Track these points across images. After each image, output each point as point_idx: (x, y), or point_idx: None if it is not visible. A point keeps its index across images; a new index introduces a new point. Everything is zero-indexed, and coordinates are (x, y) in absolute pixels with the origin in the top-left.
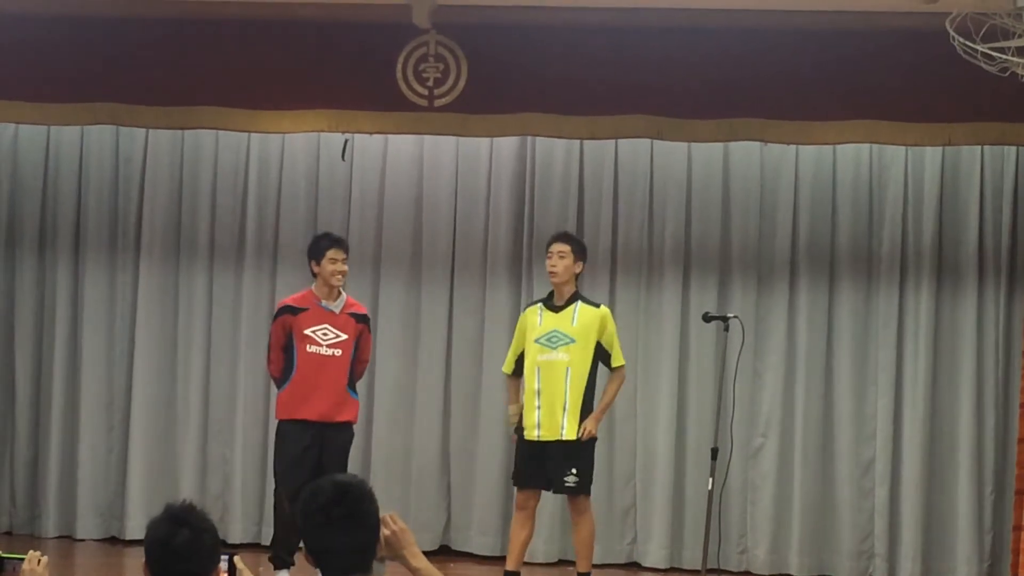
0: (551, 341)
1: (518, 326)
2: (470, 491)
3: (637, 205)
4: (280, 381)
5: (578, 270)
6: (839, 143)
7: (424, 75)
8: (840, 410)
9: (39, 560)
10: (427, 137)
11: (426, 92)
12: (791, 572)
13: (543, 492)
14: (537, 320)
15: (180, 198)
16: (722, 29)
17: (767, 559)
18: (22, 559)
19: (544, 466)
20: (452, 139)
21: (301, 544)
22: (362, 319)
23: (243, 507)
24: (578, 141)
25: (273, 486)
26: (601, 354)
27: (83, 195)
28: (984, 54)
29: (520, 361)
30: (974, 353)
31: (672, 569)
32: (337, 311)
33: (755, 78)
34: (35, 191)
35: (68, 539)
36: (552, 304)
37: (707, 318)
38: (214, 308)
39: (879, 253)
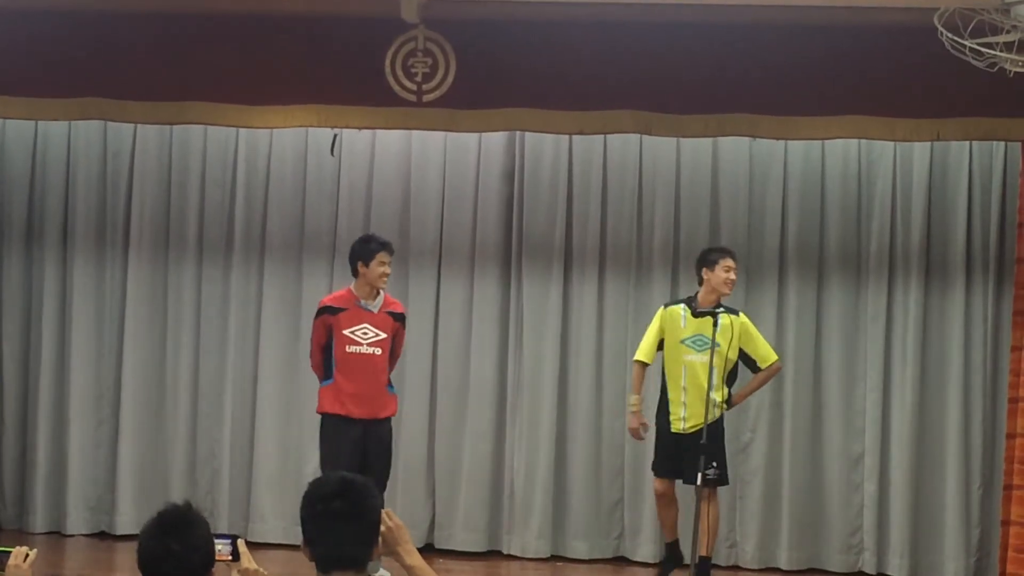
0: (695, 344)
1: (657, 321)
2: (456, 488)
3: (626, 200)
4: (321, 377)
5: None
6: (827, 138)
7: (412, 70)
8: (829, 405)
9: (25, 556)
10: (415, 132)
11: (414, 87)
12: (780, 566)
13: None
14: (681, 322)
15: (168, 193)
16: (710, 25)
17: (756, 554)
18: (10, 552)
19: (683, 457)
20: (440, 134)
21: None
22: (399, 318)
23: (230, 502)
24: (567, 136)
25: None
26: (746, 360)
27: (71, 190)
28: (972, 49)
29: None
30: (962, 348)
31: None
32: (376, 310)
33: (743, 74)
34: (23, 186)
35: (57, 535)
36: (694, 308)
37: (696, 313)
38: (203, 302)
39: (868, 248)
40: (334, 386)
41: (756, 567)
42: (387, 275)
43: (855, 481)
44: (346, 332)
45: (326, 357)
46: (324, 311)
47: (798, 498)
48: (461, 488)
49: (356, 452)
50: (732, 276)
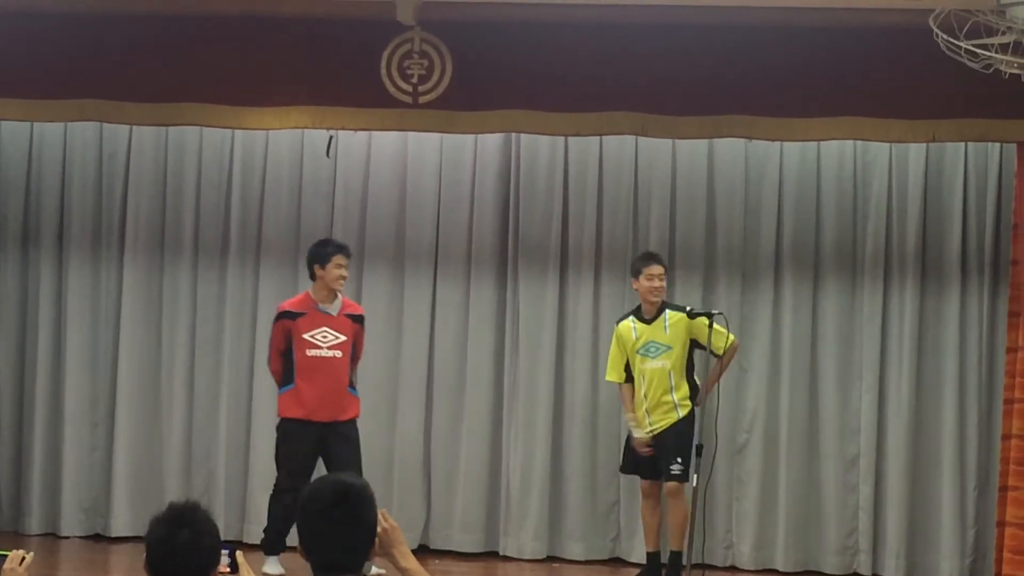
0: (649, 351)
1: (615, 338)
2: (452, 489)
3: (622, 202)
4: (280, 382)
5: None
6: (823, 140)
7: (408, 72)
8: (825, 406)
9: (22, 559)
10: (411, 134)
11: (410, 89)
12: (776, 567)
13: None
14: (632, 333)
15: (164, 195)
16: (706, 26)
17: (752, 555)
18: (7, 555)
19: (655, 458)
20: (436, 136)
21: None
22: (358, 319)
23: (226, 504)
24: (563, 138)
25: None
26: (702, 348)
27: (67, 191)
28: (968, 51)
29: (627, 369)
30: (958, 349)
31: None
32: (335, 313)
33: (739, 75)
34: (19, 188)
35: (52, 536)
36: (643, 317)
37: (692, 315)
38: (198, 304)
39: (863, 249)
40: (295, 391)
41: (752, 568)
42: (344, 278)
43: (851, 482)
44: (306, 336)
45: (286, 363)
46: (283, 316)
47: (794, 499)
48: (457, 489)
49: (313, 455)
50: (655, 284)
